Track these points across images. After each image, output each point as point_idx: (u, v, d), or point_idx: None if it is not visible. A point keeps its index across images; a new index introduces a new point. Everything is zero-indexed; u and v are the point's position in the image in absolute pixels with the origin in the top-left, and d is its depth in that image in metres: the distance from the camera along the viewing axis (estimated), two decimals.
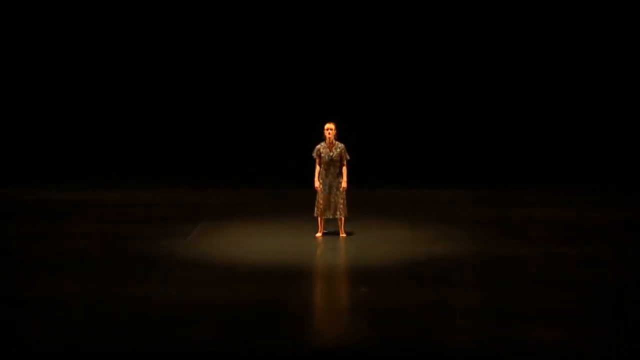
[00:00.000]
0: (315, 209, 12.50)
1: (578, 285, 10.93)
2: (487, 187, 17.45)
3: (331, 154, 12.27)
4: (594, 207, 15.98)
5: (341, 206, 12.47)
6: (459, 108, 20.41)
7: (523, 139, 19.59)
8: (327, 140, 12.29)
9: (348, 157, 12.55)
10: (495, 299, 10.33)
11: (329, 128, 12.34)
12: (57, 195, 16.79)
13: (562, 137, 19.61)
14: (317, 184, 12.46)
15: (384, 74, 20.88)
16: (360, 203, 14.08)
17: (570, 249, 12.70)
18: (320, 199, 12.49)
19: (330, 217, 12.61)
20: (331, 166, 12.25)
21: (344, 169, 12.38)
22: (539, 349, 8.62)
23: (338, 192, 12.46)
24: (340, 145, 12.31)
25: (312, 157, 12.61)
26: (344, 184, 12.42)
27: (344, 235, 12.70)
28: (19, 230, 14.32)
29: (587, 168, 18.44)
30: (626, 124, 20.11)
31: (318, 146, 12.43)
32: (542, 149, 19.42)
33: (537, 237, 13.50)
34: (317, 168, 12.46)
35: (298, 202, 14.60)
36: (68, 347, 8.92)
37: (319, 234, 12.66)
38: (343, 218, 12.56)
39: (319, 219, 12.67)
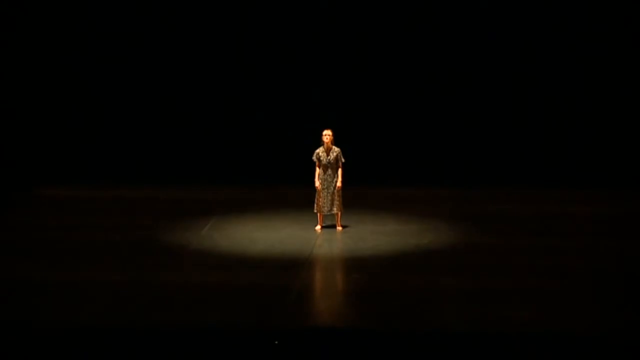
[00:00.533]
0: (315, 205, 13.13)
1: (546, 271, 11.50)
2: (470, 186, 17.77)
3: (328, 157, 12.88)
4: (567, 204, 16.32)
5: (337, 202, 13.09)
6: (445, 112, 19.40)
7: (506, 140, 18.92)
8: (324, 145, 12.90)
9: (343, 160, 13.14)
10: (473, 283, 10.92)
11: (327, 134, 12.97)
12: (86, 193, 17.19)
13: (543, 137, 18.89)
14: (317, 183, 13.02)
15: (380, 78, 19.95)
16: (355, 200, 14.65)
17: (541, 240, 13.23)
18: (319, 197, 13.09)
19: (328, 212, 13.25)
20: (328, 168, 12.87)
21: (340, 171, 13.01)
22: (512, 326, 9.29)
23: (335, 190, 13.09)
24: (337, 149, 12.94)
25: (312, 160, 13.27)
26: (339, 183, 13.03)
27: (340, 228, 13.30)
28: (57, 223, 14.74)
29: (565, 167, 18.33)
30: (603, 124, 19.00)
31: (317, 150, 13.04)
32: (523, 149, 18.82)
33: (512, 230, 14.02)
34: (317, 170, 13.07)
35: (299, 199, 15.07)
36: (96, 325, 9.62)
37: (318, 227, 13.24)
38: (339, 213, 13.20)
39: (318, 214, 13.28)
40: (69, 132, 19.16)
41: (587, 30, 19.76)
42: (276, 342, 9.20)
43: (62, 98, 19.59)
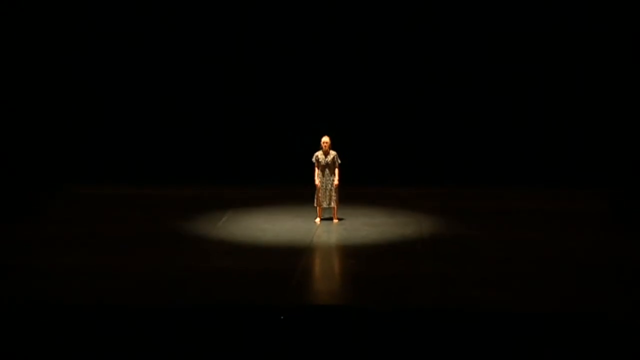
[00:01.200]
0: (315, 200, 13.92)
1: (517, 258, 12.24)
2: (452, 184, 17.91)
3: (326, 159, 13.72)
4: (541, 200, 16.70)
5: (334, 198, 13.85)
6: (432, 114, 19.16)
7: (489, 142, 18.81)
8: (323, 149, 13.73)
9: (339, 162, 13.79)
10: (451, 268, 11.65)
11: (325, 141, 13.81)
12: (117, 191, 17.50)
13: (524, 140, 18.53)
14: (317, 181, 13.73)
15: (377, 79, 19.64)
16: (349, 196, 15.12)
17: (515, 233, 13.92)
18: (318, 193, 13.88)
19: (326, 206, 14.00)
20: (326, 168, 13.69)
21: (337, 170, 13.78)
22: (485, 306, 10.05)
23: (332, 188, 13.88)
24: (333, 152, 13.73)
25: (312, 162, 14.03)
26: (336, 182, 13.78)
27: (336, 220, 14.10)
28: (92, 217, 15.37)
29: (543, 168, 18.33)
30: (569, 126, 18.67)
31: (316, 153, 13.81)
32: (505, 151, 18.71)
33: (489, 223, 14.62)
34: (317, 170, 13.85)
35: (302, 196, 15.52)
36: (123, 303, 10.46)
37: (317, 220, 14.05)
38: (335, 207, 13.96)
39: (318, 208, 14.06)
40: (100, 135, 19.03)
41: (566, 30, 18.90)
42: (282, 317, 9.87)
43: (95, 104, 19.34)
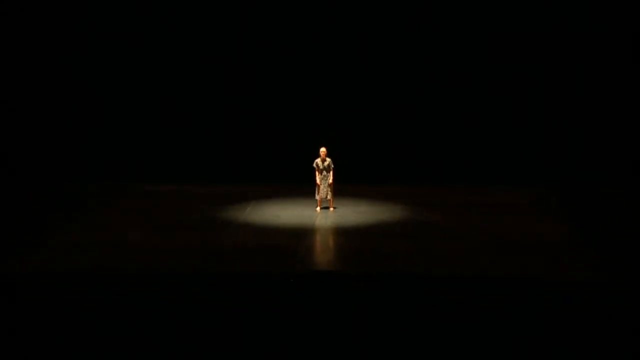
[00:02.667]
0: (316, 193, 15.06)
1: (466, 237, 13.42)
2: (421, 183, 18.25)
3: (324, 164, 14.83)
4: (487, 194, 17.31)
5: (330, 192, 14.98)
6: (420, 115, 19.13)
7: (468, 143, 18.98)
8: (321, 157, 14.77)
9: (333, 167, 14.81)
10: (422, 245, 12.88)
11: (323, 151, 14.88)
12: (167, 187, 17.86)
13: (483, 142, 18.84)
14: (317, 180, 14.84)
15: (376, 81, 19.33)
16: (342, 191, 15.93)
17: (466, 218, 14.93)
18: (318, 189, 15.00)
19: (324, 198, 15.09)
20: (324, 171, 14.82)
21: (331, 172, 14.84)
22: (448, 277, 11.05)
23: (328, 185, 14.96)
24: (329, 159, 14.79)
25: (313, 167, 14.96)
26: (330, 180, 14.86)
27: (332, 209, 15.19)
28: (149, 207, 16.09)
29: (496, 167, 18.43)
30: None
31: (316, 160, 14.84)
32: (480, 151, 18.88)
33: (448, 212, 15.46)
34: (317, 172, 14.86)
35: (305, 191, 16.19)
36: (173, 271, 11.48)
37: (317, 208, 15.11)
38: (331, 199, 15.06)
39: (318, 199, 15.13)
40: (155, 142, 18.98)
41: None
42: (291, 280, 10.92)
43: (152, 111, 19.06)
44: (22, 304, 10.13)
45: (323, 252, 13.23)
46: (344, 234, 13.78)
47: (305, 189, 16.21)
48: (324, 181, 14.98)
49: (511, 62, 18.55)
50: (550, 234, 13.72)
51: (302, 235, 13.54)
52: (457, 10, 18.50)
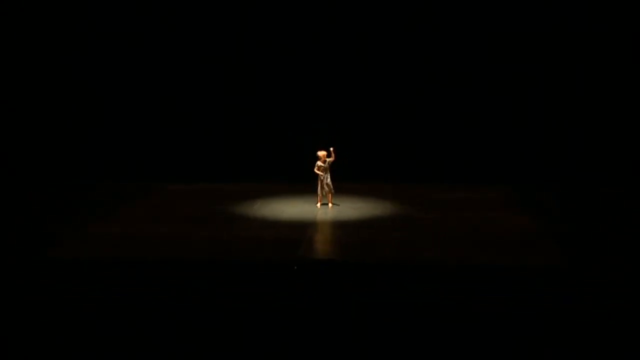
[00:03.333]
0: (317, 191, 15.27)
1: (446, 229, 13.77)
2: (408, 182, 18.36)
3: (324, 166, 15.07)
4: (465, 192, 17.41)
5: (331, 189, 15.20)
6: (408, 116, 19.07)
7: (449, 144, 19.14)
8: (321, 160, 15.01)
9: (332, 154, 14.92)
10: (410, 237, 13.24)
11: (323, 154, 15.02)
12: (186, 187, 18.11)
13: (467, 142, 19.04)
14: (319, 180, 15.10)
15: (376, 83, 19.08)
16: (339, 189, 15.97)
17: (447, 213, 15.18)
18: (319, 187, 15.22)
19: (324, 194, 15.24)
20: (325, 171, 15.04)
21: (328, 173, 15.08)
22: (425, 257, 11.77)
23: (328, 182, 15.19)
24: (328, 159, 15.02)
25: (315, 169, 15.16)
26: (328, 181, 15.13)
27: (331, 205, 15.35)
28: (174, 204, 16.42)
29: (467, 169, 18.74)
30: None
31: (318, 162, 15.03)
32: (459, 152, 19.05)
33: (432, 208, 15.66)
34: (319, 173, 15.07)
35: (307, 189, 16.20)
36: (195, 257, 11.82)
37: (318, 204, 15.32)
38: (330, 196, 15.24)
39: (319, 196, 15.31)
40: (178, 146, 19.21)
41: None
42: (295, 267, 11.14)
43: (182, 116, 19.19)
44: (65, 286, 10.48)
45: (323, 242, 13.63)
46: (342, 227, 14.07)
47: (306, 187, 16.29)
48: (324, 180, 15.18)
49: (492, 71, 18.52)
50: (519, 226, 14.07)
51: (304, 228, 13.91)
52: (441, 9, 18.28)
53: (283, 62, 18.92)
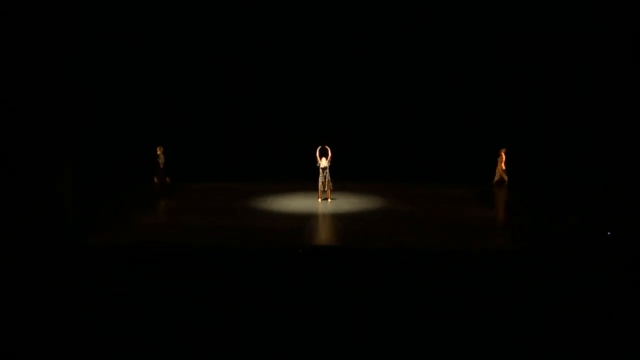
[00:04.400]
0: (319, 185, 16.04)
1: (427, 220, 14.56)
2: (395, 182, 19.15)
3: (324, 165, 15.92)
4: (442, 190, 18.20)
5: (330, 185, 15.99)
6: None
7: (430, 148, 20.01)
8: (322, 163, 15.87)
9: (331, 151, 15.67)
10: (396, 226, 13.87)
11: (323, 158, 15.80)
12: (208, 185, 18.84)
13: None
14: (320, 178, 15.86)
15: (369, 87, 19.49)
16: (337, 187, 16.77)
17: (428, 207, 16.04)
18: (320, 184, 16.06)
19: (324, 190, 15.99)
20: (325, 170, 15.90)
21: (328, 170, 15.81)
22: (410, 244, 12.33)
23: (327, 178, 15.91)
24: (327, 162, 15.90)
25: (317, 166, 15.93)
26: (328, 177, 15.89)
27: (330, 200, 16.21)
28: (198, 199, 17.11)
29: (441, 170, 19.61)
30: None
31: (318, 162, 15.86)
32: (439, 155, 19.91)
33: (416, 202, 16.61)
34: (320, 171, 15.84)
35: (309, 186, 17.06)
36: (216, 244, 12.30)
37: (319, 199, 16.14)
38: (329, 191, 16.07)
39: (319, 192, 16.12)
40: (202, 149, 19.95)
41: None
42: (300, 251, 11.70)
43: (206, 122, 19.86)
44: (109, 267, 10.94)
45: (323, 231, 14.18)
46: (339, 219, 14.63)
47: (308, 185, 16.97)
48: (323, 177, 15.85)
49: (463, 81, 19.15)
50: (483, 217, 14.79)
51: (307, 219, 14.55)
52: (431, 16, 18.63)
53: (292, 69, 19.33)
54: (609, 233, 12.51)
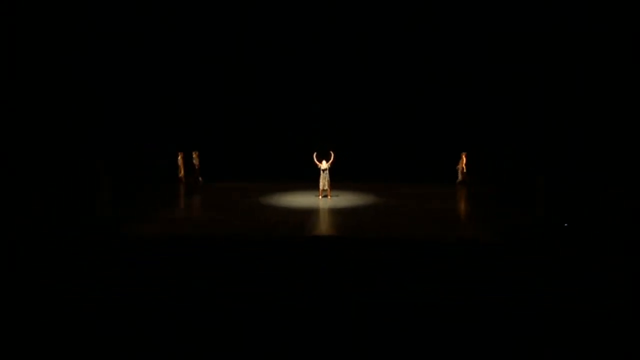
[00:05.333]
0: (320, 185, 16.99)
1: (416, 214, 15.24)
2: (386, 181, 19.80)
3: (325, 168, 16.84)
4: (426, 189, 18.90)
5: (329, 184, 16.93)
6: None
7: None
8: (322, 164, 16.80)
9: (332, 156, 16.48)
10: (386, 219, 14.61)
11: (323, 161, 16.64)
12: (225, 184, 19.49)
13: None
14: (320, 178, 16.71)
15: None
16: (335, 186, 17.65)
17: (415, 203, 16.87)
18: (320, 183, 17.04)
19: (324, 188, 16.85)
20: (325, 171, 16.79)
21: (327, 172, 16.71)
22: (402, 234, 12.78)
23: (327, 179, 16.85)
24: (327, 164, 16.81)
25: (318, 167, 16.78)
26: (327, 178, 16.79)
27: (330, 196, 17.10)
28: (216, 196, 18.00)
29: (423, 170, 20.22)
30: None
31: (319, 166, 16.76)
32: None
33: (406, 199, 17.49)
34: (321, 172, 16.74)
35: (311, 184, 17.91)
36: (232, 234, 12.94)
37: (319, 197, 17.06)
38: (329, 190, 16.95)
39: (320, 190, 17.01)
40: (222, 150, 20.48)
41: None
42: (304, 241, 12.10)
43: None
44: (136, 257, 11.17)
45: (323, 224, 14.76)
46: (337, 213, 15.38)
47: (310, 184, 17.75)
48: (323, 177, 16.82)
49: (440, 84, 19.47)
50: (462, 211, 15.84)
51: (309, 213, 15.27)
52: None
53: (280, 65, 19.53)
54: (565, 224, 13.18)
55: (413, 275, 9.87)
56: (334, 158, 16.24)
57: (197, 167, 20.59)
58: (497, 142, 19.19)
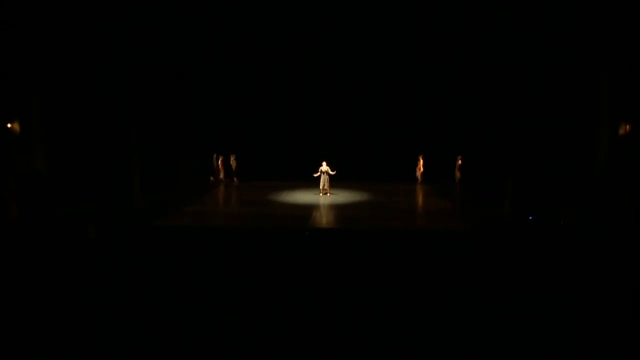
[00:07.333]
0: (320, 184, 17.93)
1: (406, 208, 16.27)
2: (381, 181, 20.20)
3: (324, 170, 17.72)
4: (412, 188, 19.56)
5: (328, 184, 17.84)
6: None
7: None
8: (322, 167, 17.68)
9: (330, 172, 17.47)
10: (380, 213, 15.48)
11: (323, 163, 17.65)
12: (256, 183, 19.94)
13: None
14: (321, 178, 17.61)
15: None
16: (334, 185, 18.32)
17: (406, 200, 17.95)
18: (320, 183, 17.94)
19: (323, 187, 17.71)
20: (325, 173, 17.70)
21: (328, 173, 17.72)
22: (393, 227, 13.47)
23: (327, 179, 17.77)
24: (327, 167, 17.72)
25: (318, 171, 17.64)
26: (328, 178, 17.66)
27: (329, 194, 17.97)
28: (235, 193, 18.88)
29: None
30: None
31: (320, 168, 17.62)
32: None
33: (397, 196, 18.34)
34: (321, 175, 17.64)
35: (313, 184, 18.46)
36: (245, 226, 13.72)
37: (320, 194, 17.93)
38: (328, 188, 17.83)
39: (321, 189, 17.91)
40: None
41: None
42: (307, 233, 12.76)
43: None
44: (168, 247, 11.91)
45: (325, 217, 15.49)
46: (337, 208, 16.25)
47: (312, 183, 18.43)
48: (323, 178, 17.80)
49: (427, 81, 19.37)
50: (442, 205, 16.42)
51: (312, 208, 16.12)
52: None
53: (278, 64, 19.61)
54: (530, 217, 13.93)
55: (408, 265, 10.19)
56: (332, 168, 17.14)
57: (234, 169, 21.32)
58: (460, 144, 19.71)
